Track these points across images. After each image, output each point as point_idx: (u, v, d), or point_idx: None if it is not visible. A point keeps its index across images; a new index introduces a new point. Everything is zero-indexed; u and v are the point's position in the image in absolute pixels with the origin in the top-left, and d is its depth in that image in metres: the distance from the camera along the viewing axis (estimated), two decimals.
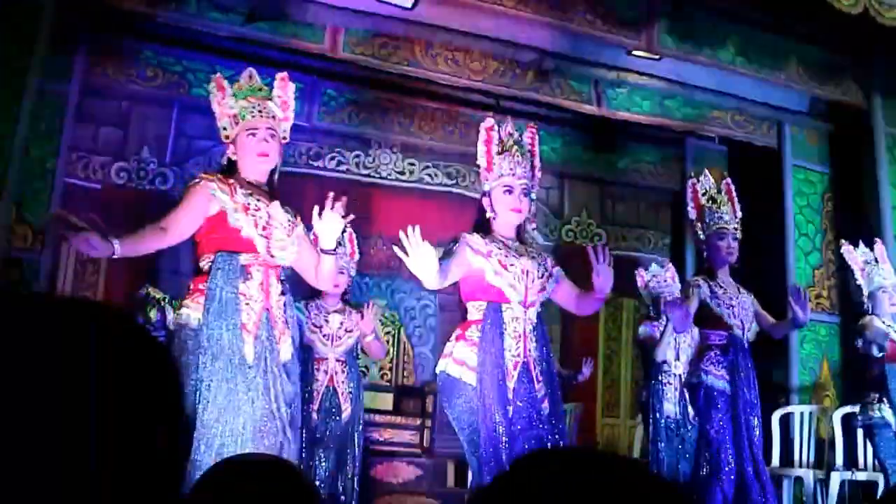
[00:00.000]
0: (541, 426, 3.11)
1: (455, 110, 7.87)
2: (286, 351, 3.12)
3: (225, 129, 3.31)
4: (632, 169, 8.83)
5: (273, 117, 3.34)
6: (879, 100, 7.07)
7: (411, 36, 6.36)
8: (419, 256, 2.93)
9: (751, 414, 4.03)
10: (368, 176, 7.96)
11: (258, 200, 3.19)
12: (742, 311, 4.18)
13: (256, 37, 6.18)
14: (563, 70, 6.86)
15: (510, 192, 3.32)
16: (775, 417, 6.29)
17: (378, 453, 6.90)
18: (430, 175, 8.18)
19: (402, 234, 2.96)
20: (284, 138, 3.39)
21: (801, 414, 6.31)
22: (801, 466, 6.12)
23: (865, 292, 4.83)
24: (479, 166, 3.41)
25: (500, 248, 3.28)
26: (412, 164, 8.14)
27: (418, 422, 7.29)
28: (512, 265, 3.24)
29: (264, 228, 3.14)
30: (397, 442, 7.24)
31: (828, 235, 7.47)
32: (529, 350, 3.21)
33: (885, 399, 4.60)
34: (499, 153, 3.34)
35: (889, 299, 4.73)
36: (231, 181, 3.19)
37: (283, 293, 3.18)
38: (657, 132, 8.17)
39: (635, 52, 6.39)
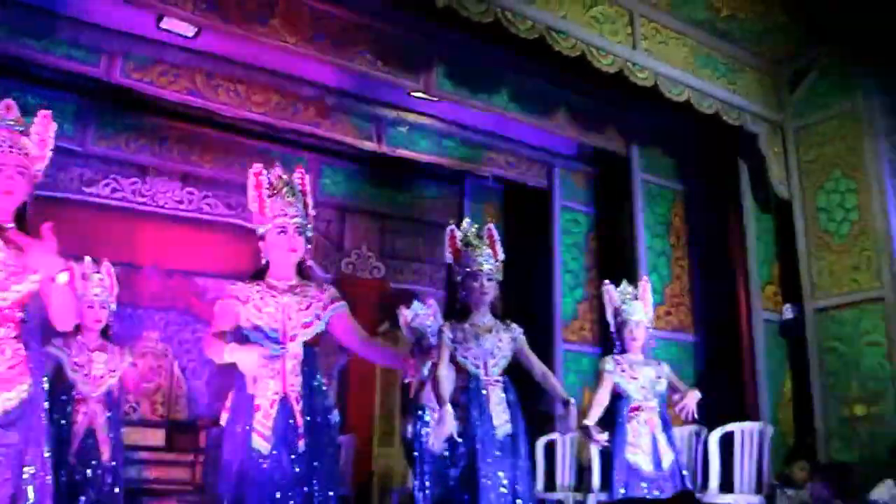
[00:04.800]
0: (293, 463, 3.13)
1: (237, 141, 7.80)
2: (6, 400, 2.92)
3: None
4: (411, 204, 9.08)
5: (26, 154, 3.10)
6: (637, 148, 7.70)
7: (193, 65, 6.28)
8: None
9: (494, 449, 4.11)
10: (145, 204, 7.73)
11: None
12: (484, 351, 4.23)
13: (27, 56, 5.90)
14: (345, 107, 6.99)
15: (284, 232, 3.35)
16: (540, 444, 6.63)
17: (148, 492, 6.67)
18: (209, 205, 8.05)
19: None
20: (37, 177, 3.19)
21: (564, 440, 6.68)
22: (562, 490, 6.49)
23: (612, 327, 5.19)
24: (251, 211, 3.44)
25: (258, 292, 3.30)
26: (191, 194, 7.99)
27: (191, 458, 7.11)
28: (267, 306, 3.26)
29: None
30: (168, 479, 7.02)
31: (591, 272, 8.02)
32: (292, 385, 3.24)
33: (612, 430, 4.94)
34: (269, 196, 3.38)
35: (629, 334, 5.10)
36: None
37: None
38: (436, 170, 8.45)
39: (415, 94, 6.62)
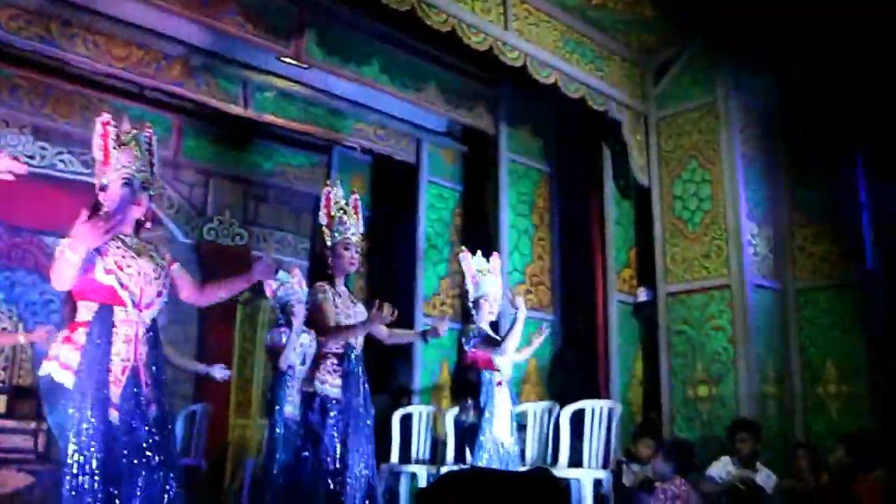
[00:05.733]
0: (146, 430, 3.05)
1: (95, 96, 7.44)
2: None
3: None
4: (278, 172, 8.94)
5: None
6: (505, 128, 7.78)
7: (48, 12, 5.93)
8: None
9: (364, 419, 4.18)
10: None
11: None
12: (357, 319, 4.28)
13: None
14: (211, 67, 6.77)
15: (129, 184, 3.21)
16: (396, 417, 6.67)
17: None
18: (63, 161, 7.69)
19: None
20: None
21: (420, 414, 6.74)
22: (417, 463, 6.54)
23: (471, 298, 5.26)
24: (94, 160, 3.28)
25: (118, 247, 3.14)
26: (44, 149, 7.60)
27: (33, 425, 6.80)
28: (129, 266, 3.12)
29: None
30: (8, 448, 6.70)
31: (455, 248, 8.07)
32: (140, 354, 3.13)
33: (478, 403, 5.01)
34: (115, 148, 3.24)
35: (489, 307, 5.19)
36: None
37: None
38: (304, 138, 8.33)
39: (284, 59, 6.46)
